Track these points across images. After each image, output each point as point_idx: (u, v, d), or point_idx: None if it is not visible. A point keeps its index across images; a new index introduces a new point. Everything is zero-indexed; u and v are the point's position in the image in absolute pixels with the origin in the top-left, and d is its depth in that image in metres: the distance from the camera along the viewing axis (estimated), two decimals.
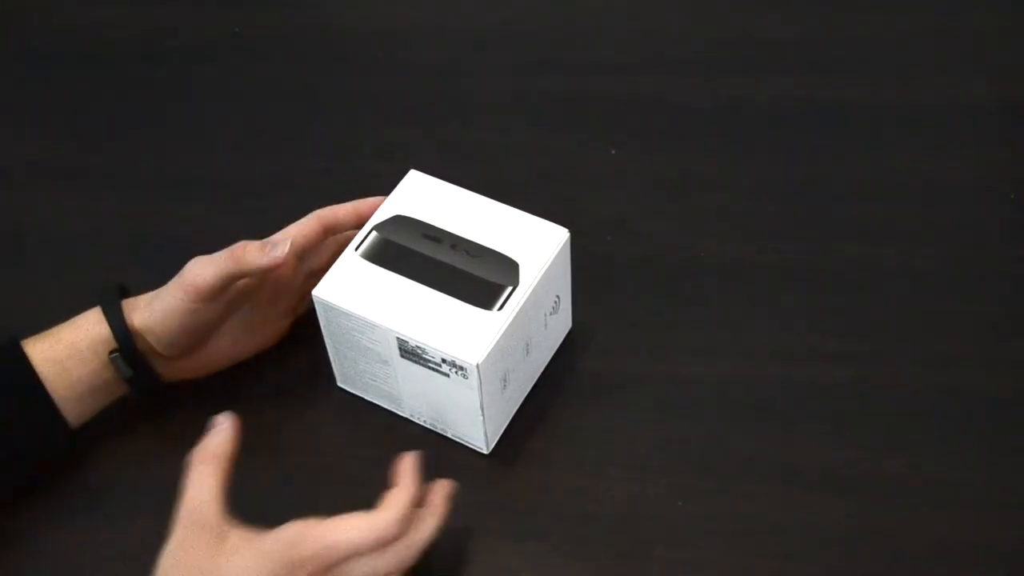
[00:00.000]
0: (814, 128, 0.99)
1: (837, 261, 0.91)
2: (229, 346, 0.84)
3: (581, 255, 0.85)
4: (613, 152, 0.99)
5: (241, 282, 0.81)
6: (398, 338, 0.78)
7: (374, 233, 0.82)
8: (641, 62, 1.06)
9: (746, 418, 0.84)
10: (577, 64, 1.06)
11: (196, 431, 0.86)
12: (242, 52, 1.10)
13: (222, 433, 0.73)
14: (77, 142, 1.05)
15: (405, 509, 0.72)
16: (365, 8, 1.13)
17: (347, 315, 0.79)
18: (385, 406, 0.84)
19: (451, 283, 0.79)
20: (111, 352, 0.80)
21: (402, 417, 0.85)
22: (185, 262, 0.84)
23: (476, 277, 0.79)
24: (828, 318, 0.88)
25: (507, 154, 1.00)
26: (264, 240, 0.79)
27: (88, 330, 0.80)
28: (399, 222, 0.82)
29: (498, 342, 0.77)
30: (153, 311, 0.80)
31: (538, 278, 0.79)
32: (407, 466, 0.75)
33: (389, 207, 0.83)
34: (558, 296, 0.84)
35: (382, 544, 0.71)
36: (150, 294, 0.81)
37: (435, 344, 0.77)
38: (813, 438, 0.82)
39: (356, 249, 0.81)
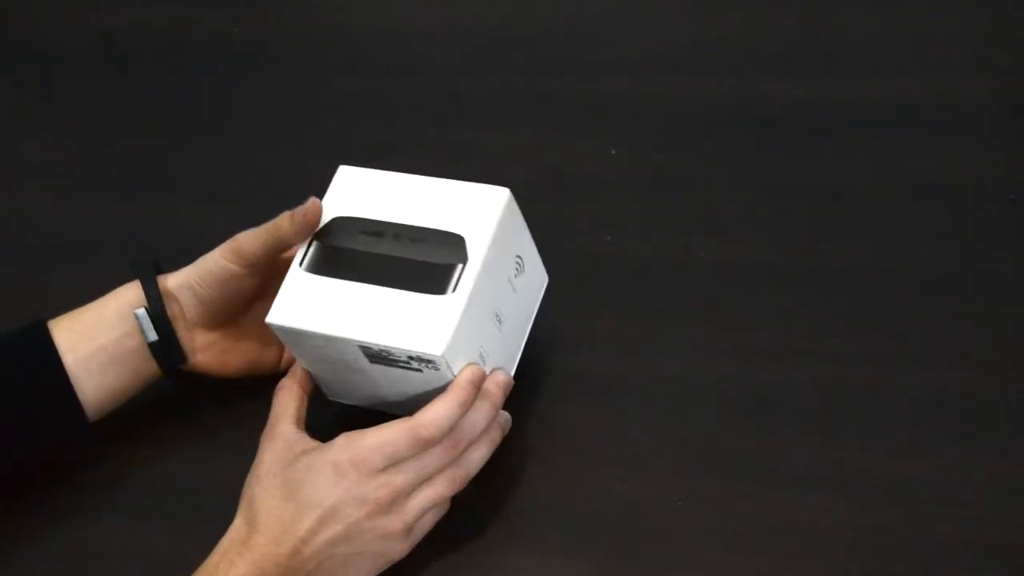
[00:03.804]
0: (814, 128, 0.99)
1: (837, 261, 0.91)
2: (255, 336, 0.85)
3: (581, 255, 0.85)
4: (613, 152, 0.99)
5: (283, 255, 0.82)
6: (360, 346, 0.76)
7: (315, 244, 0.80)
8: (641, 62, 1.06)
9: (746, 418, 0.84)
10: (577, 64, 1.06)
11: (195, 438, 0.86)
12: (242, 52, 1.10)
13: (299, 364, 0.80)
14: (76, 143, 1.05)
15: (444, 410, 0.75)
16: (365, 8, 1.13)
17: (304, 334, 0.77)
18: (381, 410, 0.84)
19: (400, 276, 0.77)
20: (136, 309, 0.81)
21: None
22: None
23: (423, 263, 0.77)
24: (828, 318, 0.88)
25: (507, 154, 1.00)
26: (294, 210, 0.80)
27: (118, 295, 0.82)
28: (338, 225, 0.80)
29: (459, 326, 0.75)
30: (193, 270, 0.82)
31: (487, 247, 0.77)
32: (462, 376, 0.76)
33: (326, 211, 0.80)
34: (519, 256, 0.81)
35: (420, 445, 0.74)
36: (185, 268, 0.83)
37: (396, 344, 0.75)
38: (813, 438, 0.82)
39: (300, 264, 0.79)
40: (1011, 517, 0.78)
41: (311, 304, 0.77)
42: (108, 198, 1.00)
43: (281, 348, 0.87)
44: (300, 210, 0.79)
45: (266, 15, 1.13)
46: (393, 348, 0.75)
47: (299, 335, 0.78)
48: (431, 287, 0.76)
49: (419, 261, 0.77)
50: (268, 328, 0.80)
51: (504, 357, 0.81)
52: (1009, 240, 0.91)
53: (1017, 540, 0.77)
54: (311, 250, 0.79)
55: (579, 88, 1.04)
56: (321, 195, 0.86)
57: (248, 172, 1.01)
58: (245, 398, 0.86)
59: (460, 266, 0.76)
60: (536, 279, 0.84)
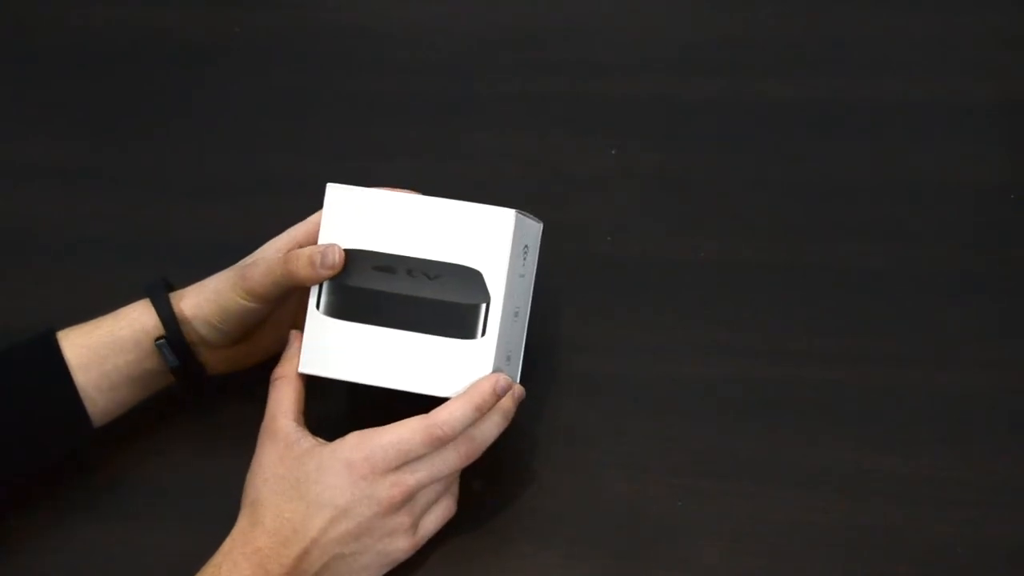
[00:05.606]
0: (814, 128, 0.99)
1: (836, 261, 0.91)
2: (271, 341, 0.85)
3: (581, 255, 0.85)
4: (613, 152, 0.99)
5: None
6: (399, 390, 0.78)
7: (327, 282, 0.79)
8: (641, 62, 1.06)
9: (746, 418, 0.84)
10: (577, 64, 1.06)
11: (195, 437, 0.86)
12: (242, 52, 1.10)
13: (294, 350, 0.79)
14: (77, 143, 1.05)
15: (459, 412, 0.74)
16: (365, 8, 1.13)
17: (342, 381, 0.79)
18: None
19: (425, 319, 0.77)
20: (157, 339, 0.80)
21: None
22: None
23: (445, 303, 0.77)
24: (828, 318, 0.88)
25: (507, 154, 1.00)
26: (313, 249, 0.79)
27: (132, 319, 0.81)
28: (346, 258, 0.79)
29: (494, 363, 0.77)
30: (208, 303, 0.81)
31: (505, 279, 0.77)
32: (485, 383, 0.76)
33: (326, 238, 0.80)
34: (526, 245, 0.80)
35: (435, 444, 0.74)
36: (196, 285, 0.82)
37: (435, 392, 0.76)
38: (813, 438, 0.82)
39: (318, 307, 0.79)
40: (1011, 517, 0.78)
41: (340, 351, 0.78)
42: (107, 198, 1.00)
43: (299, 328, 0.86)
44: (322, 261, 0.78)
45: (266, 15, 1.13)
46: (431, 395, 0.77)
47: (334, 380, 0.79)
48: (460, 331, 0.77)
49: (440, 301, 0.77)
50: (284, 317, 0.82)
51: (522, 336, 0.82)
52: (1009, 240, 0.91)
53: (1017, 540, 0.77)
54: (325, 290, 0.79)
55: (579, 88, 1.04)
56: (320, 195, 0.86)
57: (248, 172, 1.01)
58: (246, 397, 0.86)
59: (483, 305, 0.77)
60: (535, 242, 0.82)
